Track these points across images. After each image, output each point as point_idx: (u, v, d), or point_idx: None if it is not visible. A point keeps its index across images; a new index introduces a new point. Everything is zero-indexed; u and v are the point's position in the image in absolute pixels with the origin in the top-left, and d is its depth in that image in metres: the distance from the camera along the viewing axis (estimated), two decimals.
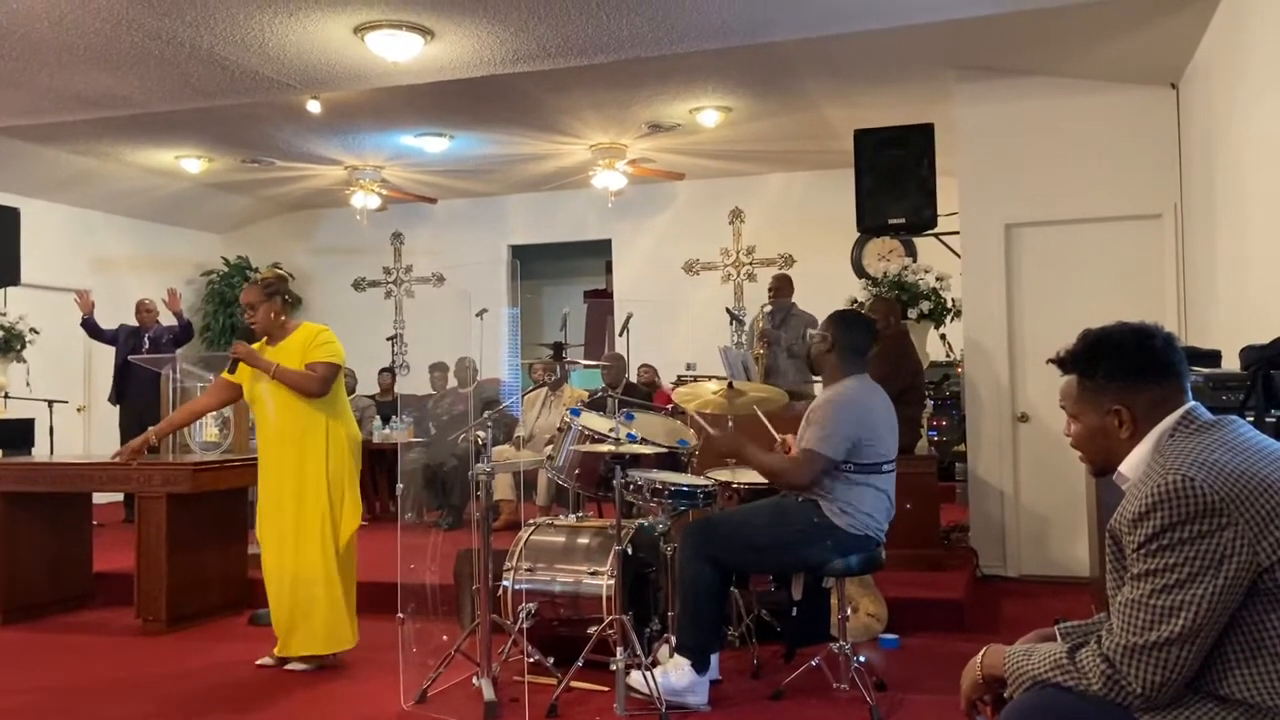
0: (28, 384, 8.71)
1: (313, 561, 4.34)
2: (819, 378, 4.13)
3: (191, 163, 8.96)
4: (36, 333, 8.76)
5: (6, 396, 8.63)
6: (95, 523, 6.18)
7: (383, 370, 9.73)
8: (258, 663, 4.48)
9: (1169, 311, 5.87)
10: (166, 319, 8.28)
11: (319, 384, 4.38)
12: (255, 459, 4.61)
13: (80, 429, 9.77)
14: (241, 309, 4.66)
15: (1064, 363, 1.99)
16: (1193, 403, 1.88)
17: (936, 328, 7.81)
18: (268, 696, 4.08)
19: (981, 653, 1.99)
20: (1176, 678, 1.70)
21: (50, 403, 8.25)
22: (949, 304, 7.58)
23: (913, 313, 7.58)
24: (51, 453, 8.24)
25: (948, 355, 8.06)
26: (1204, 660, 1.72)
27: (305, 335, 4.48)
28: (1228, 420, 1.85)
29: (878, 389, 3.97)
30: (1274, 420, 2.53)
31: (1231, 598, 1.69)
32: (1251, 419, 2.51)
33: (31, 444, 8.16)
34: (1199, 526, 1.69)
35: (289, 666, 4.41)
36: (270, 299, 4.46)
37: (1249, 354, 2.66)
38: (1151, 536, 1.73)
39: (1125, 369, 1.90)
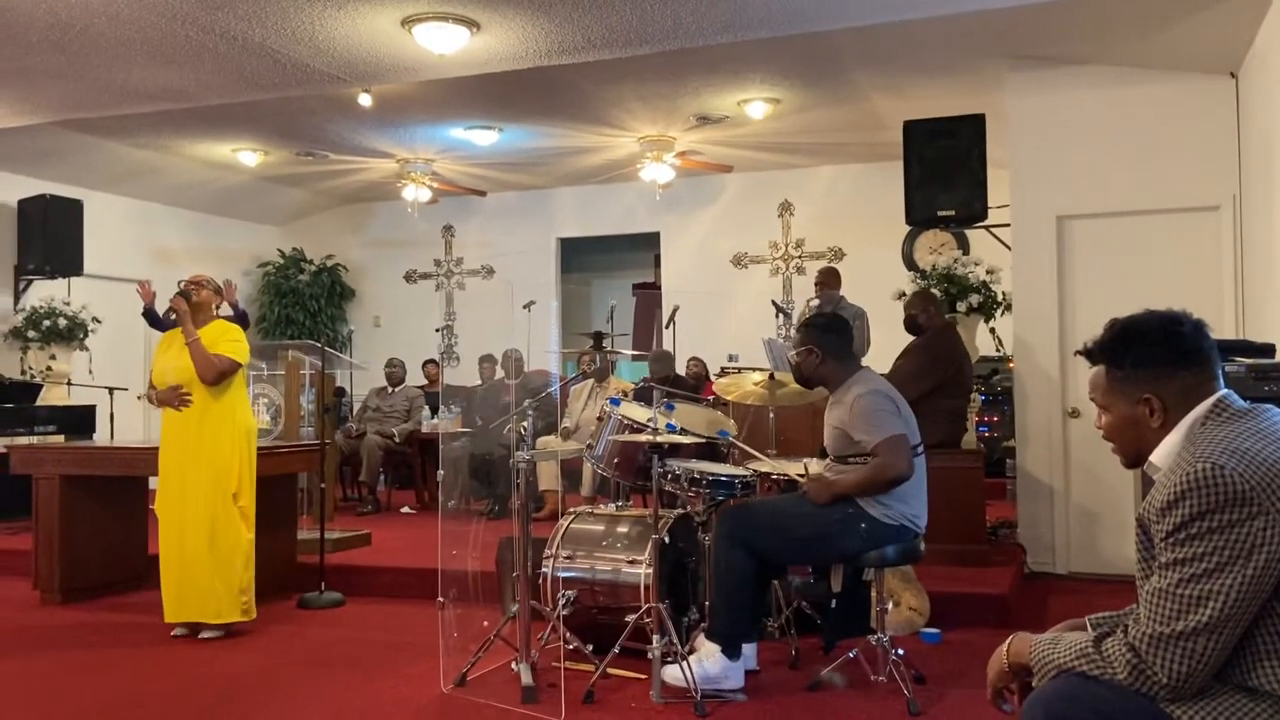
0: (90, 371, 8.97)
1: (199, 538, 4.79)
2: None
3: (248, 155, 9.14)
4: (99, 322, 9.01)
5: (70, 384, 8.89)
6: (151, 507, 6.32)
7: (427, 361, 9.85)
8: (173, 634, 4.84)
9: (1226, 305, 5.74)
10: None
11: (214, 373, 4.95)
12: (298, 446, 4.72)
13: (140, 416, 10.01)
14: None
15: (1091, 353, 1.96)
16: (1225, 390, 1.85)
17: (986, 321, 7.67)
18: (315, 679, 4.16)
19: (1008, 641, 1.97)
20: (1203, 668, 1.68)
21: (111, 390, 8.47)
22: (999, 297, 7.45)
23: (961, 306, 7.47)
24: (112, 438, 8.45)
25: (998, 350, 7.94)
26: (1232, 651, 1.69)
27: (217, 329, 5.06)
28: (1261, 409, 1.81)
29: (882, 378, 3.98)
30: None
31: (1261, 588, 1.65)
32: None
33: (93, 430, 8.41)
34: (1228, 515, 1.66)
35: (202, 635, 4.79)
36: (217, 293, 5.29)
37: None
38: (1180, 525, 1.70)
39: (1153, 357, 1.86)
